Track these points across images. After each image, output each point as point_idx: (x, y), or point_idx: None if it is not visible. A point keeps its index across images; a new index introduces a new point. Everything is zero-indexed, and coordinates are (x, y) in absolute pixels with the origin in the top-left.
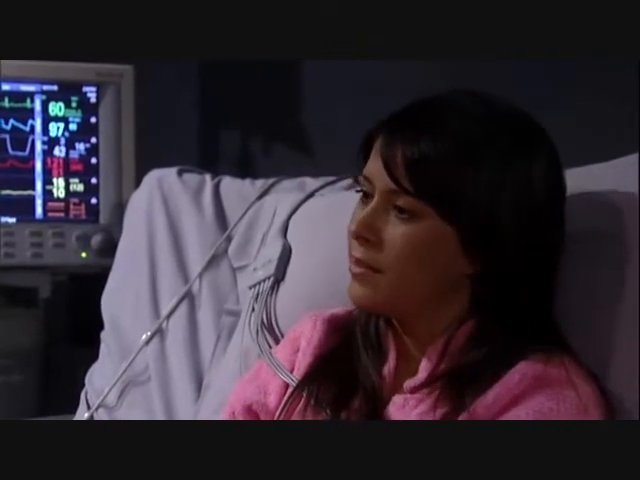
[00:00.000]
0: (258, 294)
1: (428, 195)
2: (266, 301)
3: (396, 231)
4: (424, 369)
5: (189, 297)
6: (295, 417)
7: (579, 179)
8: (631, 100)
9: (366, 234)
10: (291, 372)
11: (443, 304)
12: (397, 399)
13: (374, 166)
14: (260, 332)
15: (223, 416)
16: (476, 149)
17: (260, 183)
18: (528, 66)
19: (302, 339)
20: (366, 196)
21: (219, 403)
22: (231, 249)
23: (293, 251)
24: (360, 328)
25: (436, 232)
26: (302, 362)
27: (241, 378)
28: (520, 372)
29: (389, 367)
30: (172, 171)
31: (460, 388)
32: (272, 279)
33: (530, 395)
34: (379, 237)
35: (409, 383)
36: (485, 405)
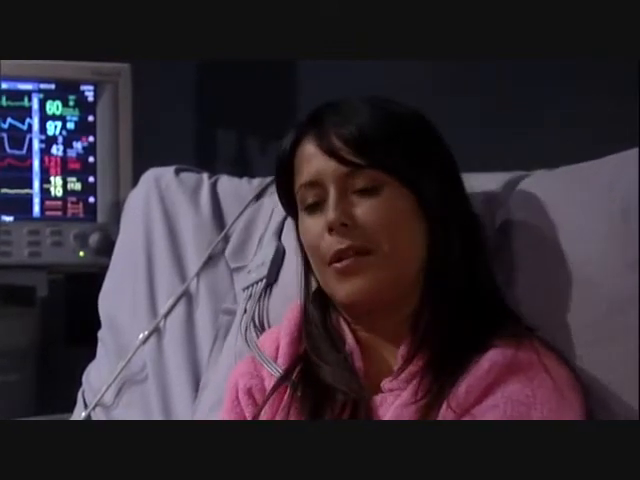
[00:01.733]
0: (251, 296)
1: (380, 162)
2: (258, 303)
3: (364, 208)
4: (400, 369)
5: (186, 296)
6: (281, 411)
7: (575, 175)
8: (631, 100)
9: (346, 220)
10: (275, 361)
11: (410, 290)
12: (375, 399)
13: (316, 164)
14: (249, 329)
15: (225, 398)
16: (397, 121)
17: (257, 182)
18: (528, 66)
19: (281, 329)
20: (313, 207)
21: (216, 402)
22: (228, 250)
23: (287, 253)
24: (309, 338)
25: (398, 197)
26: (287, 353)
27: (240, 358)
28: (490, 360)
29: (358, 368)
30: (169, 170)
31: (434, 379)
32: (264, 282)
33: (504, 382)
34: (354, 221)
35: (386, 384)
36: (459, 394)
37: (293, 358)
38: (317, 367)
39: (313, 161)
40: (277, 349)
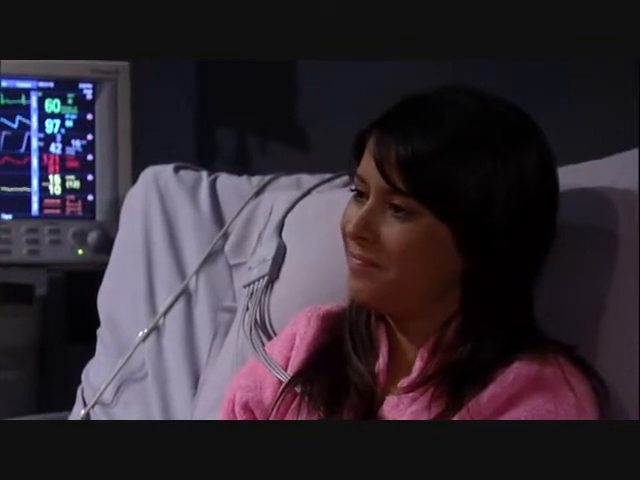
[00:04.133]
0: (252, 293)
1: (422, 195)
2: (260, 300)
3: (392, 230)
4: (417, 369)
5: (186, 294)
6: (289, 415)
7: (575, 175)
8: (631, 100)
9: (364, 234)
10: (285, 369)
11: (438, 302)
12: (391, 399)
13: (368, 166)
14: (254, 330)
15: (221, 411)
16: (469, 147)
17: (256, 180)
18: (528, 66)
19: (297, 336)
20: (360, 195)
21: (216, 400)
22: (228, 246)
23: (288, 250)
24: (350, 328)
25: (431, 230)
26: (296, 359)
27: (237, 371)
28: (514, 372)
29: (381, 367)
30: (168, 168)
31: (453, 386)
32: (266, 278)
33: (527, 396)
34: (376, 236)
35: (403, 383)
36: (480, 404)
37: (304, 363)
38: (345, 364)
39: (368, 160)
40: (287, 358)
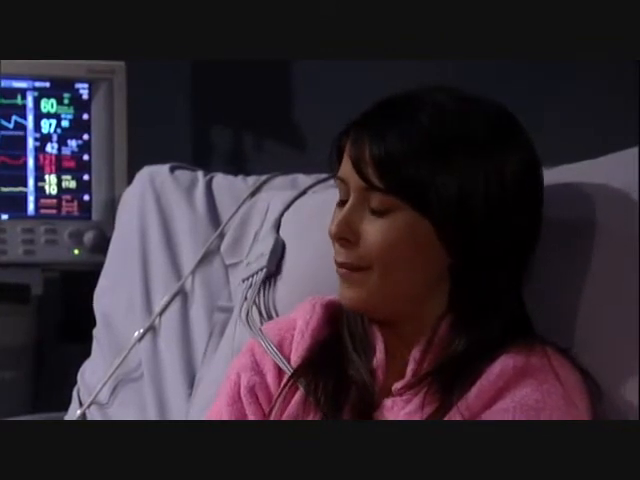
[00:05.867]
0: (250, 286)
1: (398, 191)
2: (261, 293)
3: (373, 227)
4: (410, 371)
5: (182, 294)
6: (292, 407)
7: (574, 174)
8: (631, 100)
9: (346, 234)
10: (281, 349)
11: (427, 303)
12: (386, 402)
13: (346, 166)
14: (250, 314)
15: (223, 391)
16: (445, 146)
17: (252, 180)
18: (528, 66)
19: (299, 319)
20: (346, 197)
21: (212, 398)
22: (223, 246)
23: (288, 246)
24: (347, 326)
25: (412, 225)
26: (300, 344)
27: (235, 356)
28: (501, 364)
29: (379, 362)
30: (164, 168)
31: (445, 385)
32: (265, 271)
33: (514, 386)
34: (358, 237)
35: (397, 386)
36: (470, 400)
37: (306, 353)
38: (345, 361)
39: (346, 161)
40: (284, 337)
